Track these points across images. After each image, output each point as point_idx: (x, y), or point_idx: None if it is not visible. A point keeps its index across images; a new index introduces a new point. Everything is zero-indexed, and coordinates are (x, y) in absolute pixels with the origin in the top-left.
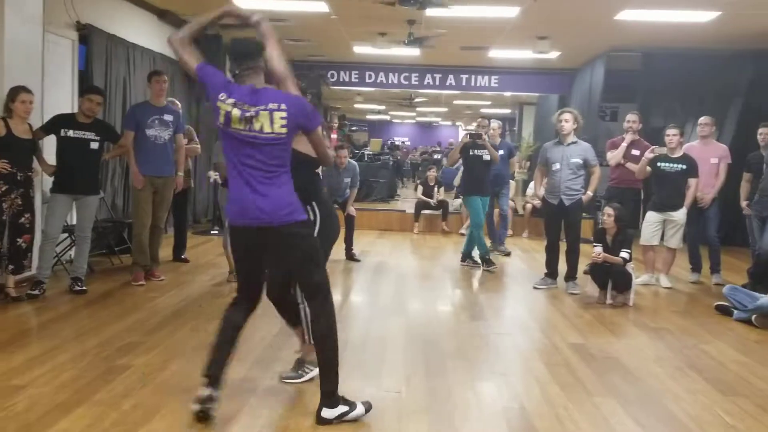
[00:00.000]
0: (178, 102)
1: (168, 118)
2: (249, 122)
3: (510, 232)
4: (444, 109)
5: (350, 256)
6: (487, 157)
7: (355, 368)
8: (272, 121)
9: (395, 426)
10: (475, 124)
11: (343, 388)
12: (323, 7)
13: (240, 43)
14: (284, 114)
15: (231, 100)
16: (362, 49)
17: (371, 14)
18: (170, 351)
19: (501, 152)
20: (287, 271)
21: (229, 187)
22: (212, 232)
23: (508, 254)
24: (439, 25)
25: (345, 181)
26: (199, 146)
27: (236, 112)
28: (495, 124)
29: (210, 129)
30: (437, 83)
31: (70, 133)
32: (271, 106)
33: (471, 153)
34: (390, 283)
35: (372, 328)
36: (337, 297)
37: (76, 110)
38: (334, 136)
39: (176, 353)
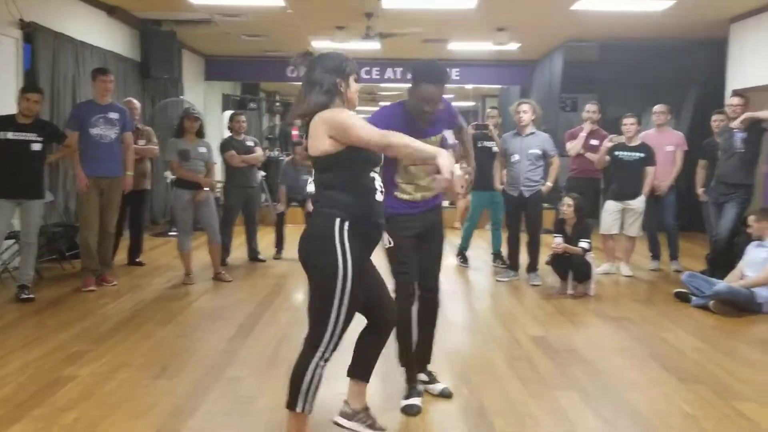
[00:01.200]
0: (136, 101)
1: (113, 116)
2: None
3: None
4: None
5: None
6: (495, 149)
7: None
8: None
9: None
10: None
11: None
12: (279, 1)
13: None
14: None
15: None
16: (321, 44)
17: (328, 8)
18: (119, 359)
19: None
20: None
21: None
22: (170, 233)
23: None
24: (398, 18)
25: (303, 178)
26: (157, 147)
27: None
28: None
29: (165, 128)
30: (399, 77)
31: (9, 134)
32: None
33: (478, 145)
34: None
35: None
36: (299, 296)
37: None
38: (295, 132)
39: (125, 361)
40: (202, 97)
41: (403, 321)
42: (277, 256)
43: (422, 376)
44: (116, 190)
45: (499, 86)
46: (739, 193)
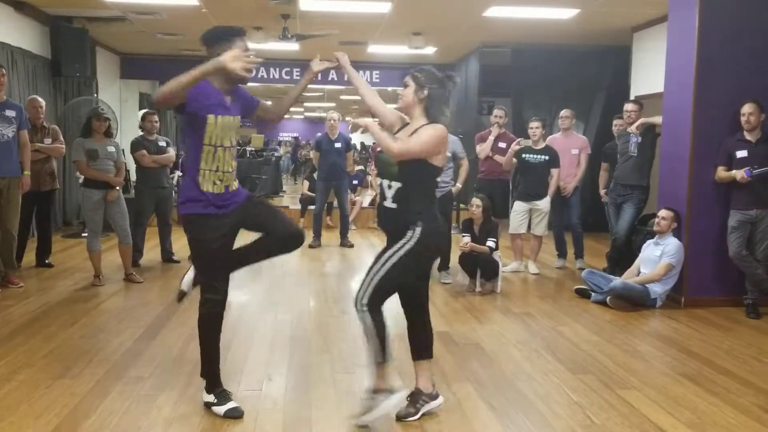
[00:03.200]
0: (40, 99)
1: (10, 114)
2: None
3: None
4: (332, 104)
5: None
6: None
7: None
8: None
9: (251, 426)
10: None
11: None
12: (193, 1)
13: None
14: None
15: None
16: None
17: (244, 8)
18: (19, 361)
19: (338, 145)
20: None
21: None
22: (83, 234)
23: (351, 246)
24: (313, 20)
25: None
26: (63, 146)
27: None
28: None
29: (77, 127)
30: (319, 78)
31: None
32: None
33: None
34: (266, 280)
35: (240, 327)
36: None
37: None
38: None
39: (26, 363)
40: (118, 96)
41: None
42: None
43: None
44: (15, 190)
45: None
46: (635, 194)
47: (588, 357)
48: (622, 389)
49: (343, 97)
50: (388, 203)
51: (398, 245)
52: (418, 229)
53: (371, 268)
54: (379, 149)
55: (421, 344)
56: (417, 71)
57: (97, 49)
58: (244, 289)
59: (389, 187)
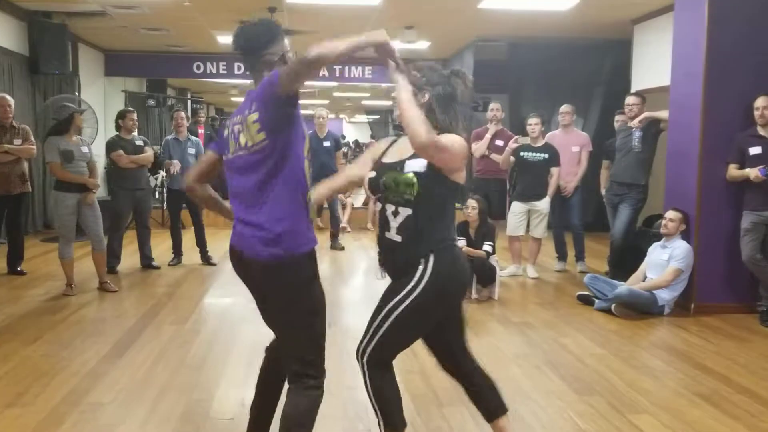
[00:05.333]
0: (9, 98)
1: None
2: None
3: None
4: (325, 102)
5: (206, 259)
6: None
7: (186, 391)
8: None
9: None
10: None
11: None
12: None
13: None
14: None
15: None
16: (226, 39)
17: (227, 1)
18: None
19: (327, 144)
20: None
21: None
22: None
23: (342, 249)
24: (302, 13)
25: None
26: (34, 147)
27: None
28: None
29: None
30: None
31: None
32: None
33: None
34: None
35: (218, 341)
36: (188, 307)
37: None
38: (201, 131)
39: None
40: (103, 94)
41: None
42: (173, 262)
43: None
44: None
45: None
46: (632, 194)
47: (593, 374)
48: (632, 413)
49: (336, 94)
50: (392, 234)
51: (405, 290)
52: (430, 267)
53: (375, 314)
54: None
55: (485, 398)
56: (415, 69)
57: (79, 46)
58: (223, 297)
59: (395, 214)
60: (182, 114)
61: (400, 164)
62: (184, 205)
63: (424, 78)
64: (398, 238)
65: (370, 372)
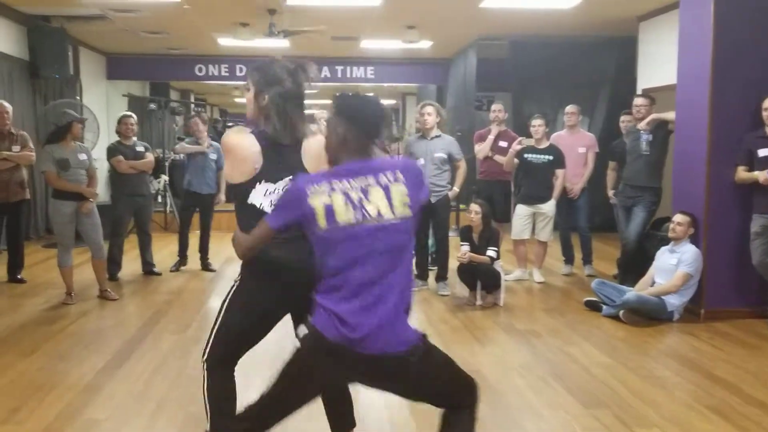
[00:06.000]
0: (6, 104)
1: None
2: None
3: None
4: (328, 102)
5: (206, 266)
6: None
7: (184, 404)
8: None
9: None
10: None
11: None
12: None
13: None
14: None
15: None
16: (227, 41)
17: (227, 3)
18: None
19: None
20: None
21: None
22: None
23: None
24: (302, 14)
25: None
26: (33, 154)
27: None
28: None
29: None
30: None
31: None
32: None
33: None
34: None
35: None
36: (189, 315)
37: None
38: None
39: None
40: (105, 98)
41: None
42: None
43: None
44: None
45: (417, 85)
46: (646, 197)
47: (601, 385)
48: (641, 427)
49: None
50: None
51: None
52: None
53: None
54: None
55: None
56: (254, 68)
57: (80, 50)
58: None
59: None
60: (197, 120)
61: None
62: (197, 209)
63: (262, 79)
64: None
65: (210, 375)
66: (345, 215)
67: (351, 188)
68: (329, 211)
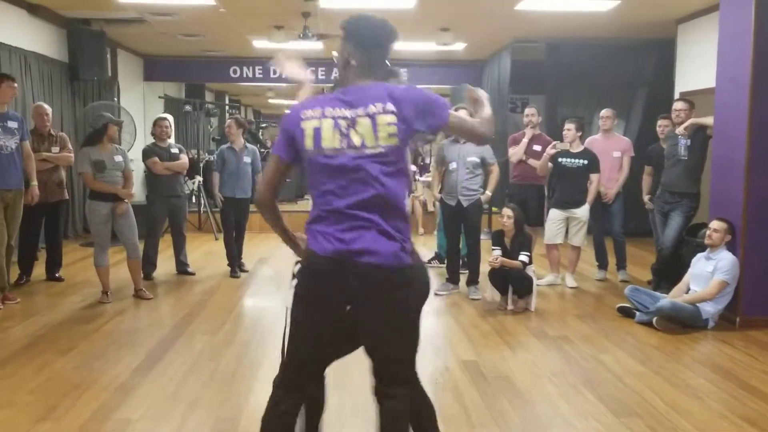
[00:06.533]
0: (46, 106)
1: (12, 125)
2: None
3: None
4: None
5: (239, 266)
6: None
7: (215, 407)
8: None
9: None
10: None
11: None
12: (210, 0)
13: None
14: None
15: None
16: (261, 44)
17: (262, 7)
18: (2, 398)
19: None
20: None
21: None
22: None
23: None
24: (335, 18)
25: None
26: (72, 155)
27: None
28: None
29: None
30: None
31: None
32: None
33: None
34: (280, 297)
35: (247, 354)
36: (222, 316)
37: None
38: None
39: (9, 400)
40: (142, 99)
41: None
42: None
43: None
44: (19, 202)
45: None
46: (684, 202)
47: (633, 394)
48: None
49: None
50: None
51: None
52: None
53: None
54: None
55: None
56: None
57: (118, 52)
58: (256, 305)
59: None
60: (231, 123)
61: None
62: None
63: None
64: None
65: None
66: (331, 141)
67: (341, 116)
68: (317, 134)
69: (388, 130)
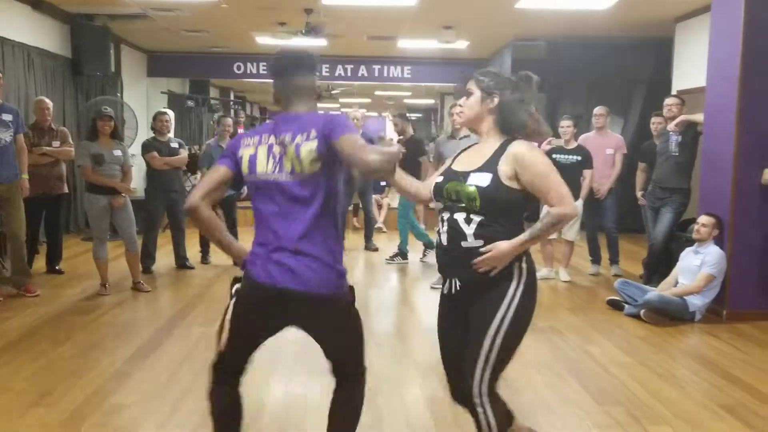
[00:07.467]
0: (47, 100)
1: (6, 117)
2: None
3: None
4: (367, 100)
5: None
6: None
7: None
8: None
9: None
10: None
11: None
12: None
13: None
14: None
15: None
16: (265, 40)
17: (264, 3)
18: None
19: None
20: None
21: None
22: None
23: (375, 250)
24: (338, 14)
25: None
26: (72, 149)
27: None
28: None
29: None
30: (349, 74)
31: None
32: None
33: None
34: None
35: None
36: (218, 308)
37: None
38: (240, 131)
39: (4, 387)
40: (145, 95)
41: None
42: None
43: None
44: (17, 194)
45: (455, 84)
46: (674, 198)
47: (617, 383)
48: (652, 425)
49: (378, 92)
50: (470, 242)
51: (506, 302)
52: (525, 268)
53: (476, 345)
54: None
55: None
56: (481, 74)
57: (122, 47)
58: None
59: (468, 221)
60: (230, 121)
61: (465, 175)
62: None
63: (492, 82)
64: (477, 243)
65: (494, 402)
66: (264, 167)
67: (275, 143)
68: (252, 161)
69: (311, 156)
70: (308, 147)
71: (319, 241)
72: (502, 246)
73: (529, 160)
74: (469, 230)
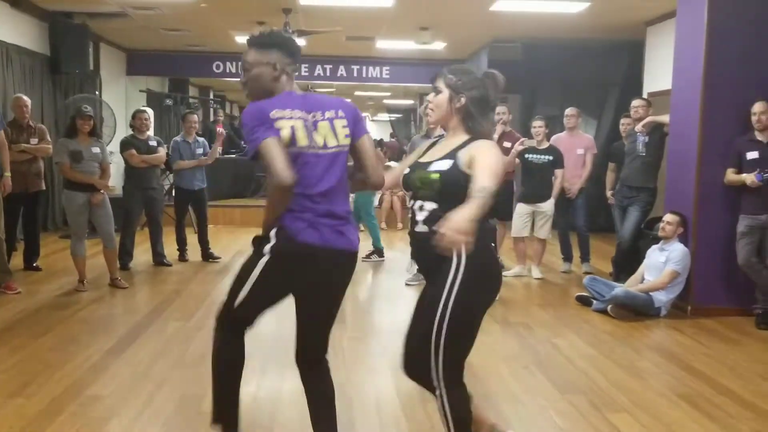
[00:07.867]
0: (25, 98)
1: None
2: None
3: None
4: (346, 101)
5: (209, 256)
6: None
7: (182, 386)
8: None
9: None
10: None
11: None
12: None
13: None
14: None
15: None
16: (244, 39)
17: (243, 2)
18: None
19: None
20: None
21: None
22: None
23: None
24: (315, 14)
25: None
26: (50, 146)
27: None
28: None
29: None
30: (328, 74)
31: None
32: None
33: None
34: None
35: None
36: (193, 304)
37: None
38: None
39: None
40: (124, 93)
41: None
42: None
43: None
44: None
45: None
46: (641, 197)
47: (581, 374)
48: (612, 412)
49: (357, 93)
50: (420, 227)
51: (449, 280)
52: (464, 254)
53: (424, 336)
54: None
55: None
56: (450, 72)
57: (101, 46)
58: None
59: (421, 208)
60: (195, 117)
61: (429, 164)
62: (189, 205)
63: (460, 82)
64: (425, 229)
65: (449, 394)
66: (303, 140)
67: (305, 118)
68: (293, 134)
69: (344, 132)
70: (341, 123)
71: (345, 201)
72: (453, 216)
73: (483, 147)
74: (420, 216)
